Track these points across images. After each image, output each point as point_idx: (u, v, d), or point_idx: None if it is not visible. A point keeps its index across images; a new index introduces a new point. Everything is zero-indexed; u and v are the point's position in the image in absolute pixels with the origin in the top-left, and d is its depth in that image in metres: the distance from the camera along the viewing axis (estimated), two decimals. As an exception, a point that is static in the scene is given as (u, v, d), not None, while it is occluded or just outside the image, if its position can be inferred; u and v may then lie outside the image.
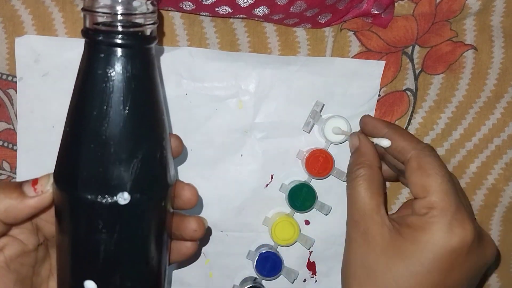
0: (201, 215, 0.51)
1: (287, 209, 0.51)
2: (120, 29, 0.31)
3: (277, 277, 0.52)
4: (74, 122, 0.33)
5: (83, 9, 0.32)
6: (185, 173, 0.49)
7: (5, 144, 0.48)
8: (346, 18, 0.48)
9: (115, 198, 0.32)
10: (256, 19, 0.47)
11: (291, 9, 0.44)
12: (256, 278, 0.52)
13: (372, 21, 0.49)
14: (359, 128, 0.49)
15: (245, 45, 0.49)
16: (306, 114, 0.50)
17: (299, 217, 0.52)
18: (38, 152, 0.48)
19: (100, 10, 0.31)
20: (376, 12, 0.47)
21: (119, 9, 0.31)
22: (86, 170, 0.32)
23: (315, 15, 0.46)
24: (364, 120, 0.48)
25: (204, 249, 0.52)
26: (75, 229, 0.34)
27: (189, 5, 0.44)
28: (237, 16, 0.46)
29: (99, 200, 0.32)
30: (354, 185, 0.44)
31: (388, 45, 0.50)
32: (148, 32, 0.33)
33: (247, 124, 0.50)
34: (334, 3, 0.45)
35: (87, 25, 0.32)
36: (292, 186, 0.50)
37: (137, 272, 0.35)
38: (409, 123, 0.52)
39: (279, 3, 0.43)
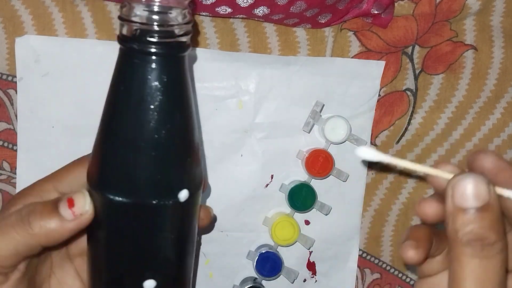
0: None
1: (287, 209, 0.51)
2: (156, 39, 0.32)
3: (277, 277, 0.52)
4: (127, 132, 0.33)
5: (120, 18, 0.33)
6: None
7: (5, 144, 0.48)
8: (346, 18, 0.48)
9: (176, 197, 0.33)
10: (256, 19, 0.47)
11: (291, 9, 0.44)
12: (256, 278, 0.52)
13: (372, 21, 0.49)
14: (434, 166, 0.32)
15: (245, 45, 0.49)
16: (306, 114, 0.50)
17: (299, 217, 0.52)
18: (38, 152, 0.48)
19: (136, 20, 0.32)
20: (376, 12, 0.47)
21: (156, 19, 0.32)
22: (148, 176, 0.33)
23: (315, 15, 0.46)
24: (486, 158, 0.31)
25: (204, 249, 0.52)
26: (135, 233, 0.34)
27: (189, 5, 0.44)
28: (237, 16, 0.46)
29: (162, 202, 0.33)
30: (490, 262, 0.29)
31: (388, 45, 0.50)
32: (182, 40, 0.33)
33: (247, 124, 0.50)
34: (334, 3, 0.45)
35: (123, 32, 0.33)
36: (292, 186, 0.50)
37: (189, 264, 0.37)
38: (409, 123, 0.52)
39: (279, 3, 0.43)
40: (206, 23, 0.48)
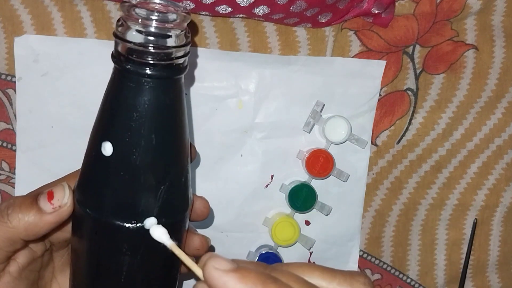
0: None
1: (287, 210, 0.51)
2: (153, 61, 0.31)
3: (277, 278, 0.52)
4: (107, 150, 0.32)
5: (115, 36, 0.31)
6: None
7: (4, 144, 0.48)
8: (346, 18, 0.48)
9: (141, 223, 0.32)
10: (256, 18, 0.47)
11: (291, 8, 0.44)
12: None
13: (373, 21, 0.49)
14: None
15: (245, 45, 0.48)
16: (306, 114, 0.50)
17: (299, 217, 0.52)
18: (37, 152, 0.48)
19: (133, 40, 0.30)
20: (376, 11, 0.47)
21: (153, 41, 0.31)
22: (116, 197, 0.32)
23: (315, 15, 0.46)
24: (209, 273, 0.25)
25: (204, 249, 0.52)
26: (98, 250, 0.34)
27: (189, 5, 0.44)
28: (237, 16, 0.46)
29: (126, 225, 0.32)
30: None
31: (389, 45, 0.50)
32: (179, 62, 0.32)
33: (247, 124, 0.50)
34: (334, 3, 0.45)
35: (119, 49, 0.31)
36: (293, 186, 0.50)
37: None
38: (410, 123, 0.52)
39: (279, 2, 0.43)
40: (206, 23, 0.47)
